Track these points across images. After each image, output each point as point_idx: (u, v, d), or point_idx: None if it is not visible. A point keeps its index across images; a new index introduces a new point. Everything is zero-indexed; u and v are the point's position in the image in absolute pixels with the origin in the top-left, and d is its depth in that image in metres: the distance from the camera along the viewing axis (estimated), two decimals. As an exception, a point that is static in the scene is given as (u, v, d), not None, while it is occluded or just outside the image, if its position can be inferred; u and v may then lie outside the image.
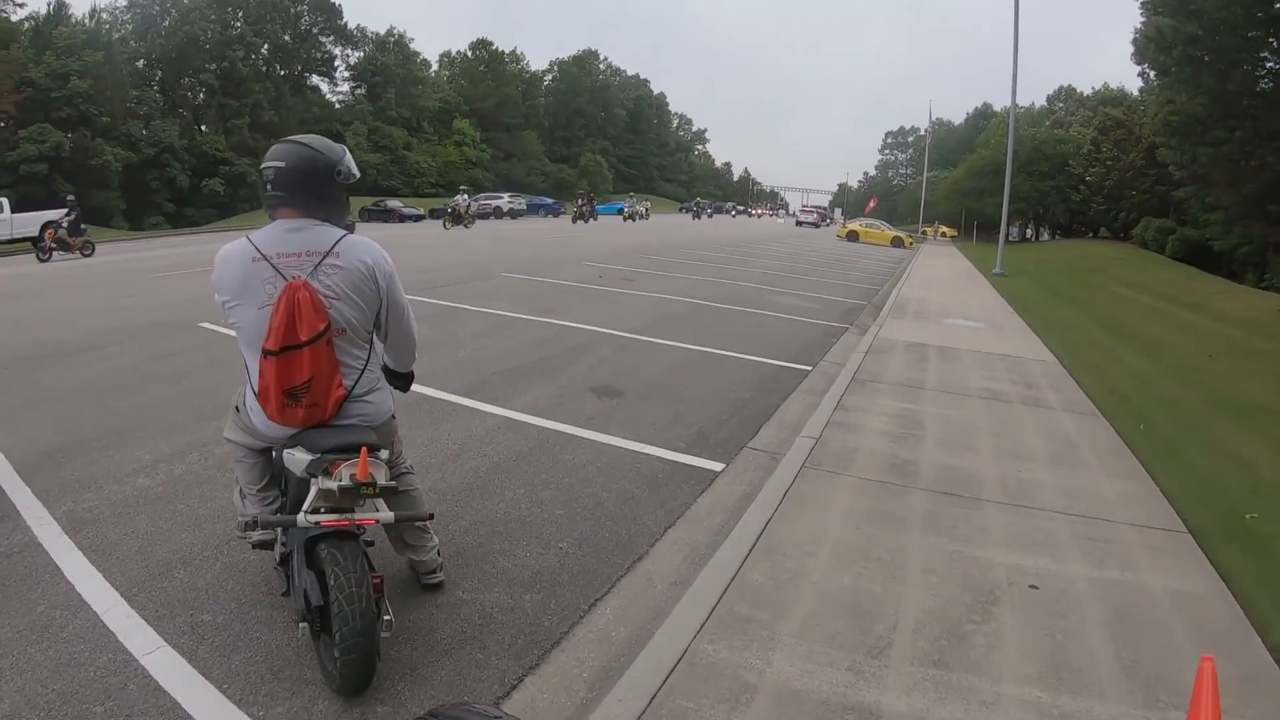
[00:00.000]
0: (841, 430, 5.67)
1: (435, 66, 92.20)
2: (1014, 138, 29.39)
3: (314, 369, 2.71)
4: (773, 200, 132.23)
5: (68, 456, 4.80)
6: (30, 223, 25.86)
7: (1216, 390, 8.74)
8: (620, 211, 47.17)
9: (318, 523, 2.61)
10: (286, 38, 70.96)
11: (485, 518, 4.15)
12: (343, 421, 2.87)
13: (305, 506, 2.64)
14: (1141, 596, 3.49)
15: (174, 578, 3.40)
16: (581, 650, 3.05)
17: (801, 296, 14.80)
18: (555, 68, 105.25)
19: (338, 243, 2.80)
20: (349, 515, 2.64)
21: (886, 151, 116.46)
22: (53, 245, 21.41)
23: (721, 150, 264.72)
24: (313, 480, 2.67)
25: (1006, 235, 30.32)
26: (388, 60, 78.56)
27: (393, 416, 3.15)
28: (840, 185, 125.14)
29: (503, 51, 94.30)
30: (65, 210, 22.52)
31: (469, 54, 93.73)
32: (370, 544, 2.88)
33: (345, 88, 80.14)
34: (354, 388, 2.89)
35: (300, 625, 2.63)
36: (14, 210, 26.76)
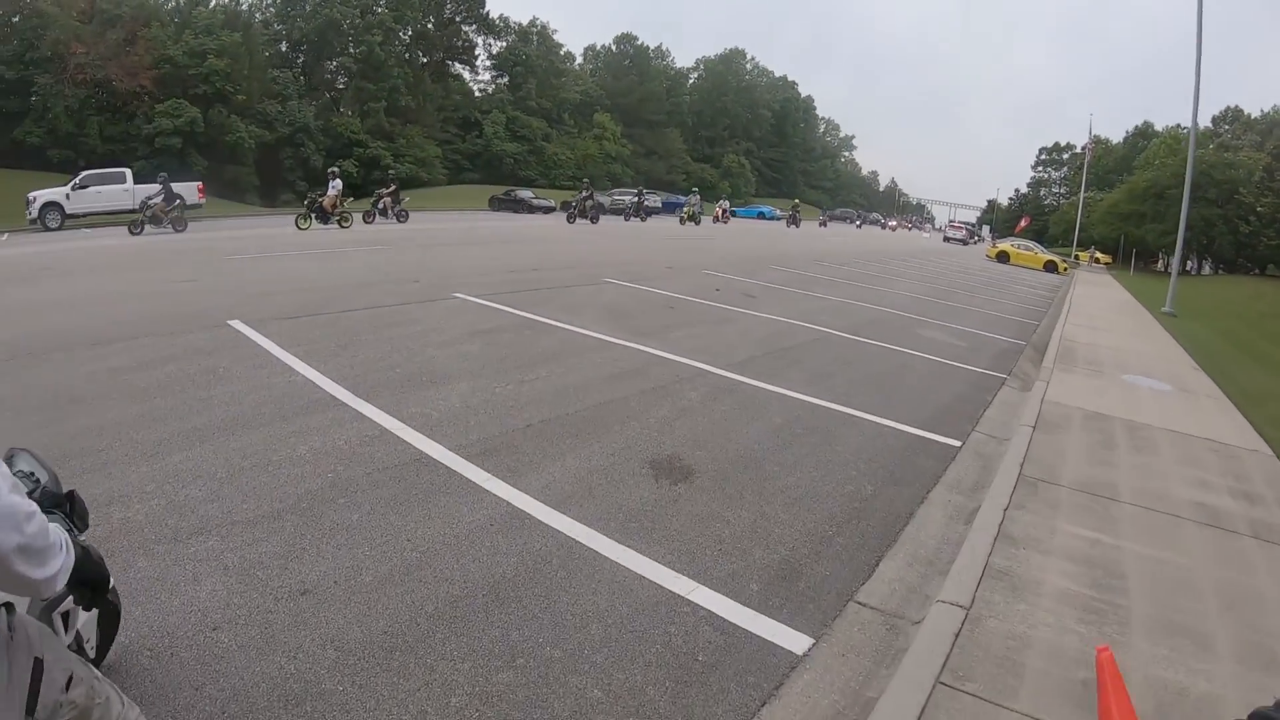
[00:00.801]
0: (1004, 592, 3.64)
1: (579, 59, 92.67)
2: (1194, 158, 25.53)
3: None
4: (919, 213, 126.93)
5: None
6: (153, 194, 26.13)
7: None
8: (681, 210, 43.40)
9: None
10: (429, 24, 72.05)
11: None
12: None
13: None
14: None
15: None
16: None
17: (948, 329, 12.49)
18: (701, 65, 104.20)
19: None
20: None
21: (1040, 169, 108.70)
22: (146, 218, 22.55)
23: (869, 158, 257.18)
24: None
25: (1179, 269, 26.52)
26: (530, 51, 79.20)
27: None
28: (990, 201, 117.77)
29: (648, 47, 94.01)
30: (157, 187, 23.46)
31: (613, 48, 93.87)
32: None
33: (486, 76, 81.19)
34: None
35: None
36: (137, 181, 27.17)
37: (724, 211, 47.50)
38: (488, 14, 76.98)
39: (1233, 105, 73.32)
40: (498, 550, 3.66)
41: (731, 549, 3.88)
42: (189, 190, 27.88)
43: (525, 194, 47.62)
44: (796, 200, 62.20)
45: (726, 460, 5.12)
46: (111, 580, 2.03)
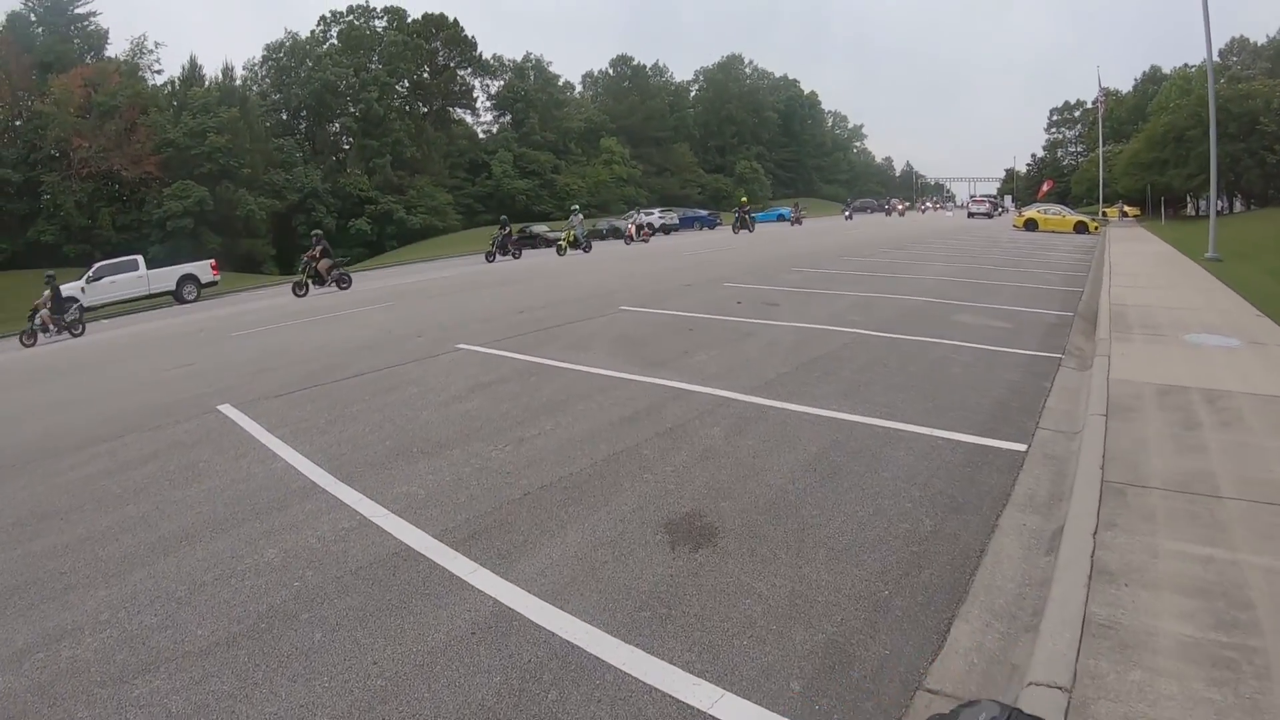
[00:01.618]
0: (1112, 655, 2.81)
1: (579, 88, 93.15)
2: (1214, 91, 24.22)
3: None
4: (938, 193, 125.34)
5: None
6: (166, 277, 26.22)
7: None
8: (560, 237, 38.05)
9: None
10: (425, 74, 72.68)
11: None
12: None
13: None
14: None
15: None
16: None
17: (987, 311, 11.54)
18: (700, 77, 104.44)
19: None
20: None
21: (1053, 130, 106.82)
22: (35, 327, 20.10)
23: (881, 146, 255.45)
24: None
25: (1216, 211, 25.16)
26: (527, 86, 79.75)
27: None
28: (1007, 171, 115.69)
29: (645, 66, 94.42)
30: (172, 269, 22.74)
31: (610, 71, 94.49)
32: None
33: (488, 117, 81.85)
34: None
35: None
36: (150, 266, 27.28)
37: (639, 228, 41.54)
38: (481, 55, 77.67)
39: (1238, 36, 72.66)
40: (478, 667, 3.02)
41: (765, 633, 3.17)
42: (202, 269, 28.00)
43: (540, 228, 47.55)
44: (796, 201, 64.04)
45: (756, 510, 4.40)
46: None
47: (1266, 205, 50.34)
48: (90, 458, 6.52)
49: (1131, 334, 9.47)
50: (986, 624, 3.24)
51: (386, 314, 15.10)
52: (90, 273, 26.85)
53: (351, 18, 69.27)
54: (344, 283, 22.90)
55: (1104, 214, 51.63)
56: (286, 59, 62.60)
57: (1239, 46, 70.81)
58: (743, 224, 42.12)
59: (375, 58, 67.21)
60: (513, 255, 31.57)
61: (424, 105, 73.32)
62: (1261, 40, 67.09)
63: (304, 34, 66.16)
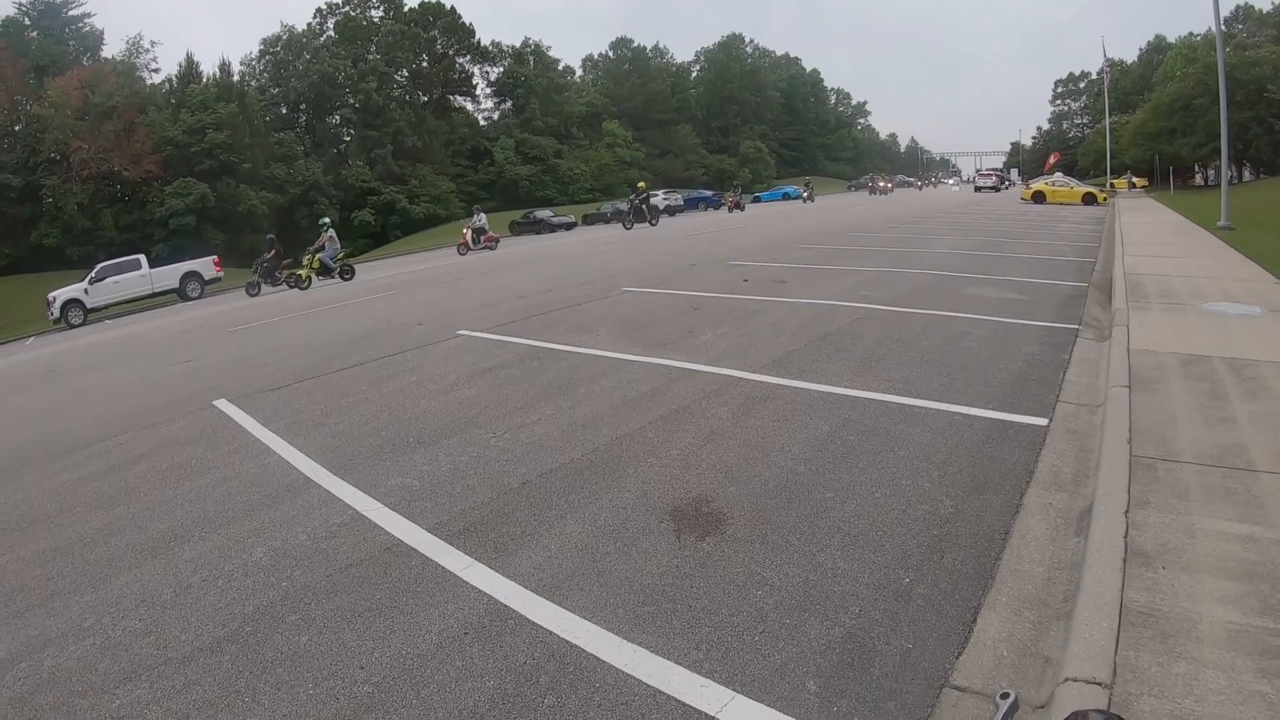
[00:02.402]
0: (1154, 646, 2.58)
1: (579, 72, 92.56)
2: (1223, 58, 23.70)
3: None
4: (943, 167, 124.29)
5: None
6: (169, 276, 26.10)
7: None
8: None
9: None
10: (423, 63, 72.22)
11: None
12: None
13: None
14: None
15: None
16: None
17: (1001, 283, 11.23)
18: (701, 57, 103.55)
19: None
20: None
21: (1058, 102, 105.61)
22: None
23: (885, 122, 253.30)
24: None
25: (1229, 179, 24.70)
26: (527, 72, 79.16)
27: None
28: (1013, 144, 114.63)
29: (645, 47, 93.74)
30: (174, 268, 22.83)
31: (610, 54, 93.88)
32: None
33: (489, 104, 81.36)
34: None
35: None
36: (152, 265, 27.15)
37: (476, 233, 30.55)
38: (479, 42, 77.06)
39: (1243, 3, 71.11)
40: (470, 670, 2.82)
41: (778, 628, 2.95)
42: (206, 265, 27.86)
43: (544, 214, 47.46)
44: (808, 180, 63.37)
45: (766, 494, 4.19)
46: None
47: (1276, 174, 49.68)
48: (84, 460, 6.38)
49: (1149, 304, 9.21)
50: (1016, 612, 3.02)
51: (388, 303, 14.93)
52: (93, 274, 26.71)
53: (348, 8, 68.77)
54: (347, 274, 22.89)
55: (1112, 185, 51.02)
56: (284, 52, 62.27)
57: (1244, 14, 69.78)
58: (639, 217, 33.97)
59: (373, 48, 66.80)
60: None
61: (424, 94, 72.87)
62: (1267, 8, 66.03)
63: (300, 26, 65.91)
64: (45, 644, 3.41)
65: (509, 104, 79.23)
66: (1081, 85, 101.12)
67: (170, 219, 43.05)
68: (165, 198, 43.51)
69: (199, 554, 4.13)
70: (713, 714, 2.49)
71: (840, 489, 4.20)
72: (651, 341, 8.25)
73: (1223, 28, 52.89)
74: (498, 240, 30.77)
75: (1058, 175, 44.85)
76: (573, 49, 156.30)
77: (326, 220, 24.32)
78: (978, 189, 60.91)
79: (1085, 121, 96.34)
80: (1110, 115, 63.39)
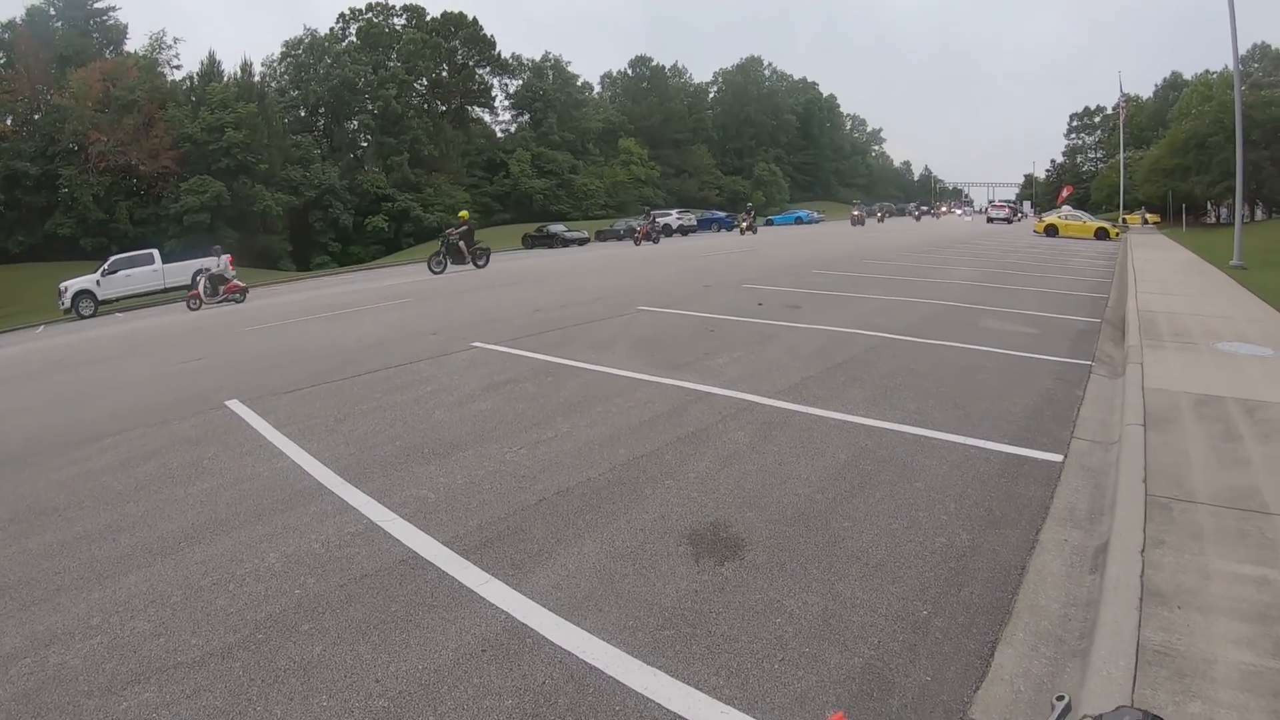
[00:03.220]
0: (1170, 685, 2.57)
1: (597, 88, 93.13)
2: (1240, 97, 23.72)
3: None
4: (956, 197, 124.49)
5: None
6: (181, 272, 26.21)
7: None
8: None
9: None
10: (443, 72, 72.70)
11: None
12: None
13: None
14: None
15: None
16: None
17: (1013, 316, 11.24)
18: (719, 79, 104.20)
19: None
20: None
21: (1073, 136, 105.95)
22: None
23: (899, 150, 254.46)
24: None
25: (1242, 218, 24.61)
26: (546, 86, 79.66)
27: None
28: (1026, 176, 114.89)
29: (664, 67, 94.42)
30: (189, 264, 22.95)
31: (629, 72, 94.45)
32: None
33: (506, 116, 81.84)
34: None
35: None
36: (166, 261, 27.27)
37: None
38: (499, 54, 77.56)
39: (1260, 42, 71.21)
40: (488, 689, 2.79)
41: (797, 657, 2.93)
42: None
43: (558, 228, 47.59)
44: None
45: (784, 521, 4.16)
46: None
47: (1290, 214, 49.64)
48: (95, 453, 6.36)
49: (1162, 342, 9.17)
50: (1032, 648, 2.99)
51: (402, 311, 14.94)
52: (105, 266, 26.83)
53: (370, 15, 69.42)
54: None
55: (1124, 220, 51.03)
56: (305, 56, 62.71)
57: (1261, 53, 69.83)
58: (456, 257, 25.54)
59: (394, 55, 67.28)
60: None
61: (442, 103, 73.29)
62: (1287, 48, 66.24)
63: (323, 31, 66.45)
64: (51, 640, 3.37)
65: (526, 117, 79.73)
66: (1097, 119, 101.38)
67: (185, 215, 43.20)
68: (181, 194, 43.72)
69: (210, 556, 4.10)
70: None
71: (858, 518, 4.17)
72: (668, 362, 8.23)
73: (1240, 66, 52.95)
74: (245, 291, 23.47)
75: (1066, 208, 44.72)
76: (592, 65, 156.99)
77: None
78: (990, 220, 61.04)
79: (1099, 156, 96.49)
80: (1125, 150, 63.54)
